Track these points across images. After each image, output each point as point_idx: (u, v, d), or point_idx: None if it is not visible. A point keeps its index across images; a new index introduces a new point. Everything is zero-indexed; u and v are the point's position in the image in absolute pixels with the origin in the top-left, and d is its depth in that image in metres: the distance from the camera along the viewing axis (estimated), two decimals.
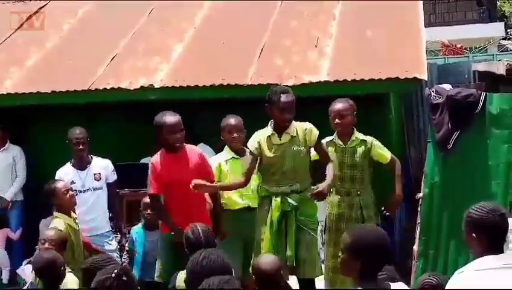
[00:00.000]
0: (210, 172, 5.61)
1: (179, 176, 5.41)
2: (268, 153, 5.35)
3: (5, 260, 7.58)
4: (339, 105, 5.69)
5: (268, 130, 5.39)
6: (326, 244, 5.75)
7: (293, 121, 5.33)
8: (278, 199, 5.31)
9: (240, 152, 5.83)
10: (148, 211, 6.01)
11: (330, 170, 5.42)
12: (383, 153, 5.76)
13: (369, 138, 5.74)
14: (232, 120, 5.87)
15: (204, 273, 3.18)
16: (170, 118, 5.43)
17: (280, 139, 5.33)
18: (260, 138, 5.38)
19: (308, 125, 5.36)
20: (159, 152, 5.57)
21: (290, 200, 5.30)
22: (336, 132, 5.76)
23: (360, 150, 5.70)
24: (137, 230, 6.23)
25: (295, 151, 5.33)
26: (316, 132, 5.36)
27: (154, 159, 5.57)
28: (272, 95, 5.29)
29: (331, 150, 5.65)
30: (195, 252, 3.48)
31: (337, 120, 5.65)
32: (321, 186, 5.26)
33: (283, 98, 5.24)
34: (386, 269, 3.55)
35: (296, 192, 5.33)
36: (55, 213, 5.65)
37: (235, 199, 5.82)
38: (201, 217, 5.21)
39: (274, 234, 5.27)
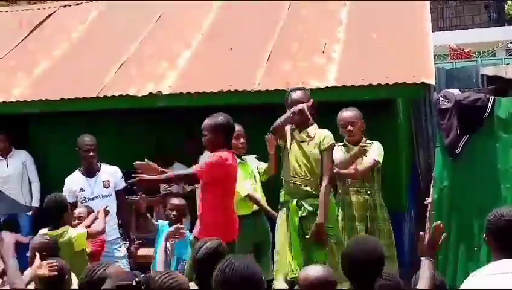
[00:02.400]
0: None
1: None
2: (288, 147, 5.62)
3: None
4: (347, 113, 5.94)
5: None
6: None
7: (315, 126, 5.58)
8: (294, 203, 5.48)
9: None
10: (174, 212, 6.08)
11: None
12: (372, 153, 5.87)
13: (375, 142, 5.93)
14: (238, 127, 5.90)
15: (225, 283, 3.06)
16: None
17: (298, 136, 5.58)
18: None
19: (325, 133, 5.55)
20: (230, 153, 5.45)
21: (306, 205, 5.40)
22: (345, 139, 5.99)
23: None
24: (163, 224, 6.26)
25: (310, 153, 5.50)
26: (329, 141, 5.52)
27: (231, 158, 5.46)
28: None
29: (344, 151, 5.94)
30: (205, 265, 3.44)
31: (349, 127, 5.89)
32: None
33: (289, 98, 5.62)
34: (388, 274, 3.56)
35: (311, 196, 5.43)
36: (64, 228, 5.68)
37: (245, 204, 5.99)
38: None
39: (296, 239, 5.43)
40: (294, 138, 5.58)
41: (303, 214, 5.45)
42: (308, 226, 5.40)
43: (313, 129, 5.54)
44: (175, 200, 6.28)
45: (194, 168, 5.31)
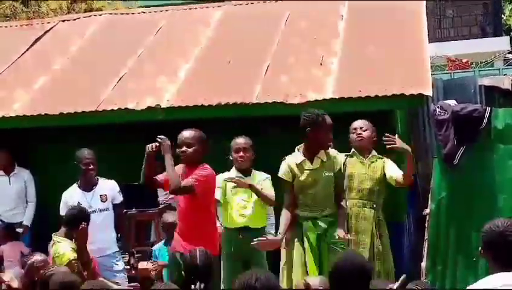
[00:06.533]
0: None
1: None
2: (301, 177, 5.41)
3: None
4: (358, 121, 6.04)
5: (297, 156, 5.43)
6: None
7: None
8: (310, 222, 5.38)
9: (245, 172, 5.89)
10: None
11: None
12: (395, 170, 5.94)
13: (385, 158, 6.02)
14: (239, 140, 5.96)
15: None
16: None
17: (312, 164, 5.39)
18: (291, 164, 5.43)
19: (335, 152, 5.50)
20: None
21: (320, 223, 5.36)
22: (353, 149, 6.03)
23: (379, 164, 5.98)
24: (159, 247, 6.43)
25: (326, 177, 5.42)
26: (341, 159, 5.53)
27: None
28: (316, 117, 5.36)
29: (351, 161, 5.93)
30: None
31: (358, 130, 5.98)
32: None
33: (328, 119, 5.40)
34: (378, 284, 3.59)
35: (325, 216, 5.41)
36: (58, 238, 5.70)
37: (234, 217, 5.88)
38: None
39: (313, 257, 5.33)
40: (304, 169, 5.42)
41: (318, 232, 5.39)
42: (322, 245, 5.36)
43: (323, 152, 5.45)
44: (168, 219, 6.29)
45: (192, 180, 5.27)
